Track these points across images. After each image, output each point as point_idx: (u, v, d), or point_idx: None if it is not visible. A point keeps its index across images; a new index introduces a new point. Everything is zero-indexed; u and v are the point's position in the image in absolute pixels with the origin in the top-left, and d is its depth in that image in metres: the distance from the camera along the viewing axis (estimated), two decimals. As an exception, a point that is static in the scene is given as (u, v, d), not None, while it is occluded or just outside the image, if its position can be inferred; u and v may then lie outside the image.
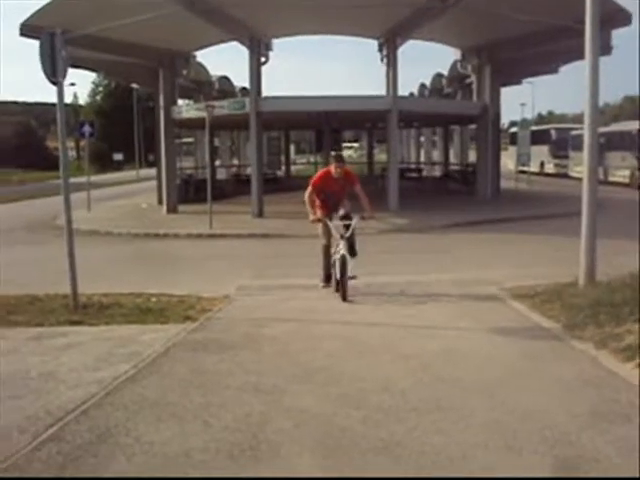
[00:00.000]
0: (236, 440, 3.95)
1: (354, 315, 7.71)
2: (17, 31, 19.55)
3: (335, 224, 9.15)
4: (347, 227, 9.06)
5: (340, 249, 8.80)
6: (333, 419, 4.29)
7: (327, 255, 9.35)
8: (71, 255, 8.29)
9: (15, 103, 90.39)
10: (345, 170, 9.28)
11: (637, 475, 3.19)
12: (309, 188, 9.31)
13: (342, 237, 8.87)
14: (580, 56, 8.90)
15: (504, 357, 5.72)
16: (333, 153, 9.76)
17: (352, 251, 9.10)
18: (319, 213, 9.29)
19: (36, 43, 8.09)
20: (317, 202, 9.39)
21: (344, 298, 8.47)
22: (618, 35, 20.27)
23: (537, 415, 4.32)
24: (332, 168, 9.17)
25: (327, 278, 9.46)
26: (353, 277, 8.77)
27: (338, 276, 8.76)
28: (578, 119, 10.22)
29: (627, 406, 4.41)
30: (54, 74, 7.92)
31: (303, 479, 3.34)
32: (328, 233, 9.18)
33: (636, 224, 13.31)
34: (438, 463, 3.65)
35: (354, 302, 8.39)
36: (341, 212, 9.27)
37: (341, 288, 8.60)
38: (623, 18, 19.47)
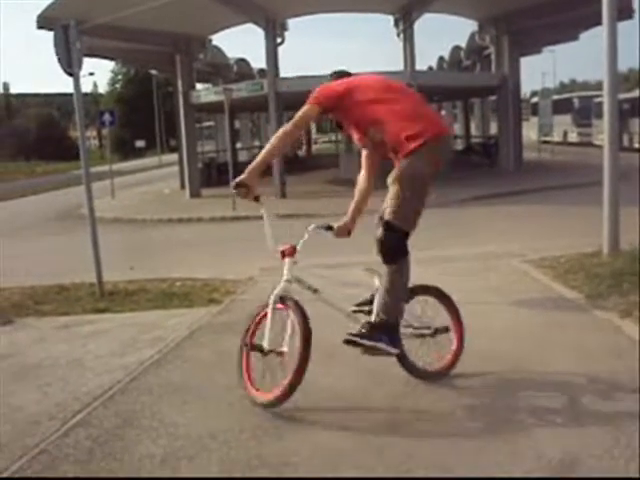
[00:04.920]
0: (260, 420, 4.01)
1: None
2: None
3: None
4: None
5: None
6: (354, 392, 4.33)
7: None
8: (95, 244, 8.40)
9: (36, 95, 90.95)
10: None
11: (637, 475, 3.17)
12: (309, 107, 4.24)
13: None
14: (600, 21, 8.75)
15: (527, 328, 5.71)
16: None
17: None
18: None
19: (53, 34, 8.15)
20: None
21: None
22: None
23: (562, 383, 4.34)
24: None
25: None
26: None
27: None
28: (601, 86, 10.08)
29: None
30: (70, 66, 7.98)
31: (304, 479, 3.37)
32: None
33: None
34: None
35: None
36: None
37: None
38: (644, -19, 19.14)
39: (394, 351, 4.21)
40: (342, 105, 4.22)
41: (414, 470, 3.29)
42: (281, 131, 4.22)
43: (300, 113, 4.21)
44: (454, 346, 4.60)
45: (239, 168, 26.07)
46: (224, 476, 3.42)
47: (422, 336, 4.48)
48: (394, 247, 4.09)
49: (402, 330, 4.30)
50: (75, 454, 3.71)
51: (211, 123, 41.36)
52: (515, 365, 4.77)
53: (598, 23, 8.99)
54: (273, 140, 4.20)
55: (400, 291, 4.17)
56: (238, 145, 36.79)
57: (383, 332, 4.15)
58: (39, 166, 59.28)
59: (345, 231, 4.65)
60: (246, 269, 9.60)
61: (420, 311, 4.53)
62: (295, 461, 3.48)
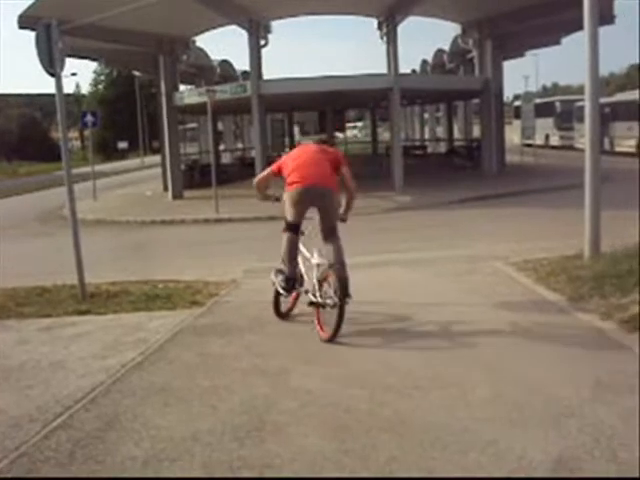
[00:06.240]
0: (242, 422, 4.00)
1: (359, 295, 7.41)
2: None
3: None
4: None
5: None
6: (337, 399, 4.33)
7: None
8: (77, 246, 8.33)
9: (18, 95, 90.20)
10: None
11: (637, 475, 3.19)
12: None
13: None
14: (582, 26, 8.80)
15: (510, 330, 5.74)
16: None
17: None
18: None
19: (36, 34, 8.07)
20: None
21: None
22: (621, 4, 20.10)
23: (542, 386, 4.35)
24: None
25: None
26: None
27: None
28: (583, 90, 10.15)
29: (632, 376, 4.41)
30: (51, 66, 7.91)
31: (306, 479, 3.37)
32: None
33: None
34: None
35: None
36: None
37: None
38: (624, -14, 19.28)
39: (281, 291, 6.37)
40: (281, 171, 6.52)
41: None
42: (255, 179, 7.06)
43: (264, 172, 6.96)
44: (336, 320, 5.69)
45: (222, 170, 25.93)
46: (207, 476, 3.42)
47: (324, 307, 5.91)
48: (285, 226, 6.41)
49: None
50: (56, 457, 3.69)
51: (194, 125, 41.18)
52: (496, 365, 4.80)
53: (580, 28, 9.04)
54: (254, 183, 7.07)
55: (283, 249, 6.36)
56: (221, 147, 36.69)
57: (280, 274, 6.36)
58: (22, 167, 58.77)
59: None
60: (229, 271, 9.60)
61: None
62: (278, 463, 3.48)
